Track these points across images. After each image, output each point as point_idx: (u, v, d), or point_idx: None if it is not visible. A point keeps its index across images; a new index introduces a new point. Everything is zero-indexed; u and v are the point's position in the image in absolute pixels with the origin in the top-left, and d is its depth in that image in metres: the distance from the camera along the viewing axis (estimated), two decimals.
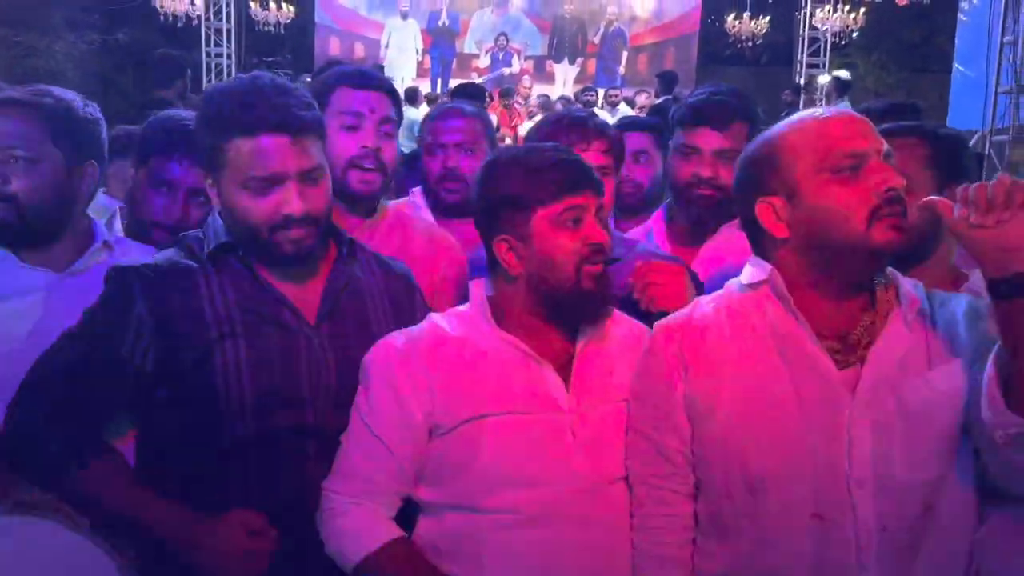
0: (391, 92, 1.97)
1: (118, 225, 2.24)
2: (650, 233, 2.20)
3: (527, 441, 1.44)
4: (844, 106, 8.67)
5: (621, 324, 1.60)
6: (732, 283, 1.48)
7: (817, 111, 1.42)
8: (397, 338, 1.52)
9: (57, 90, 1.76)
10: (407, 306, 1.68)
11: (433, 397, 1.46)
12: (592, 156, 1.78)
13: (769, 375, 1.36)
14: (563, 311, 1.49)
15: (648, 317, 1.65)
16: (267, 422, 1.50)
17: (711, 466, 1.41)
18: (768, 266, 1.40)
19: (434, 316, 1.57)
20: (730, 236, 2.07)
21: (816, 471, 1.32)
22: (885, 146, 1.35)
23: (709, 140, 2.01)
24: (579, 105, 9.74)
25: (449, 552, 1.46)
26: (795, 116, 1.43)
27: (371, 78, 1.96)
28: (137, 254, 1.76)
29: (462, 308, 1.58)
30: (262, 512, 1.46)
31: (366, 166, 1.88)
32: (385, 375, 1.48)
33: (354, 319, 1.59)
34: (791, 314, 1.36)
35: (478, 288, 1.56)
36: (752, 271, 1.43)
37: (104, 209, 2.80)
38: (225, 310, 1.51)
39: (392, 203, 2.13)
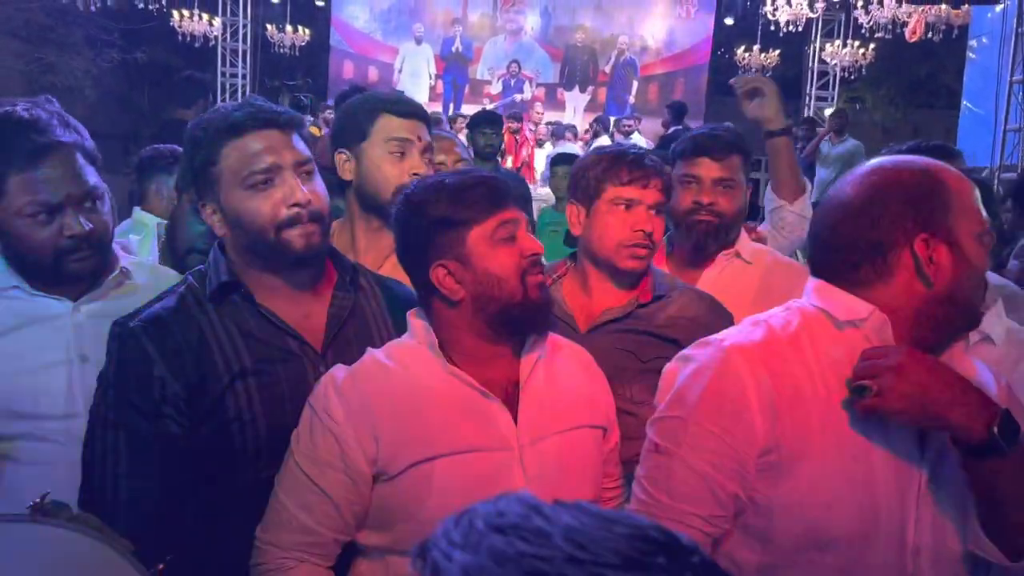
0: (428, 121, 2.02)
1: (155, 245, 2.28)
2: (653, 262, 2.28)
3: (477, 481, 1.37)
4: (858, 144, 8.82)
5: (563, 347, 1.58)
6: (807, 311, 1.32)
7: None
8: (337, 376, 1.45)
9: (71, 120, 1.70)
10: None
11: (378, 442, 1.39)
12: (651, 194, 1.86)
13: (857, 428, 1.24)
14: (512, 325, 1.44)
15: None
16: (279, 460, 1.49)
17: (775, 517, 1.26)
18: (871, 306, 1.25)
19: (374, 352, 1.49)
20: (726, 265, 2.22)
21: (885, 533, 1.24)
22: None
23: (709, 170, 2.18)
24: (620, 135, 9.85)
25: None
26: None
27: (416, 107, 2.00)
28: (158, 280, 1.75)
29: (403, 340, 1.51)
30: None
31: None
32: (325, 419, 1.41)
33: (359, 345, 1.57)
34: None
35: (419, 318, 1.49)
36: (850, 307, 1.27)
37: (140, 224, 2.84)
38: (234, 351, 1.50)
39: None
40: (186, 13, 12.62)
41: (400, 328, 1.60)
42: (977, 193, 1.26)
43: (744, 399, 1.24)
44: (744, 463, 1.25)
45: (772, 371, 1.25)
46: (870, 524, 1.23)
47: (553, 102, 13.96)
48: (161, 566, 1.20)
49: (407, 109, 1.95)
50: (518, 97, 14.05)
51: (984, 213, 1.26)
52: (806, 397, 1.24)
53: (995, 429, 1.14)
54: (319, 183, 1.55)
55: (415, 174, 1.88)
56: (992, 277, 2.15)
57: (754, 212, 2.65)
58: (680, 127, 9.66)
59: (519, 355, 1.48)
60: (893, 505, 1.24)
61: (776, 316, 1.34)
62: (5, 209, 1.57)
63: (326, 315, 1.59)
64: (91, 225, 1.60)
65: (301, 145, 1.54)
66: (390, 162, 1.89)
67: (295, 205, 1.48)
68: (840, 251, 1.28)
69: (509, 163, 8.96)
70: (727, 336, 1.33)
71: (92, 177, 1.63)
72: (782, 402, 1.23)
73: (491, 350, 1.46)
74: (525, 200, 4.49)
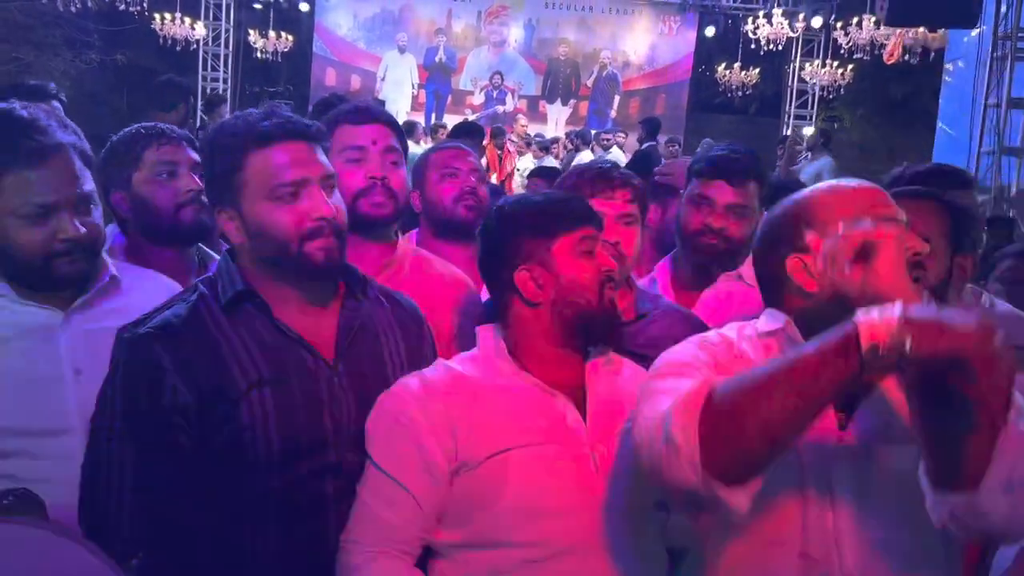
0: (392, 123, 2.00)
1: None
2: (654, 281, 2.27)
3: (552, 473, 1.46)
4: (827, 159, 8.89)
5: (624, 362, 1.65)
6: (745, 327, 1.48)
7: (851, 181, 1.43)
8: (411, 381, 1.53)
9: (68, 121, 1.67)
10: (416, 339, 1.69)
11: (455, 437, 1.46)
12: (618, 205, 1.85)
13: None
14: (588, 332, 1.54)
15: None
16: (292, 470, 1.48)
17: None
18: (784, 316, 1.41)
19: (444, 361, 1.59)
20: (728, 287, 2.19)
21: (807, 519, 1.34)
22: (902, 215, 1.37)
23: (723, 194, 2.13)
24: (600, 148, 9.87)
25: None
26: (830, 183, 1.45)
27: (370, 112, 1.98)
28: (146, 287, 1.72)
29: (471, 352, 1.61)
30: (281, 557, 1.46)
31: (374, 195, 1.90)
32: (402, 420, 1.49)
33: (369, 356, 1.59)
34: None
35: (488, 331, 1.60)
36: (767, 320, 1.45)
37: None
38: (250, 360, 1.48)
39: (408, 244, 2.14)
40: (168, 16, 12.55)
41: (407, 338, 1.66)
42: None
43: None
44: None
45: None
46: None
47: (535, 114, 14.01)
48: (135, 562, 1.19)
49: (360, 117, 1.95)
50: (500, 108, 14.10)
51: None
52: None
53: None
54: (340, 198, 1.55)
55: (371, 177, 1.91)
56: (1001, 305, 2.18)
57: None
58: (653, 143, 9.76)
59: (584, 362, 1.57)
60: (810, 493, 1.37)
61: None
62: None
63: (336, 327, 1.57)
64: (84, 229, 1.57)
65: (325, 159, 1.54)
66: (347, 169, 1.90)
67: (320, 219, 1.48)
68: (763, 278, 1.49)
69: (494, 179, 8.86)
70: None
71: (88, 182, 1.60)
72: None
73: (560, 354, 1.55)
74: None
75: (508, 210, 1.60)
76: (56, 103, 2.93)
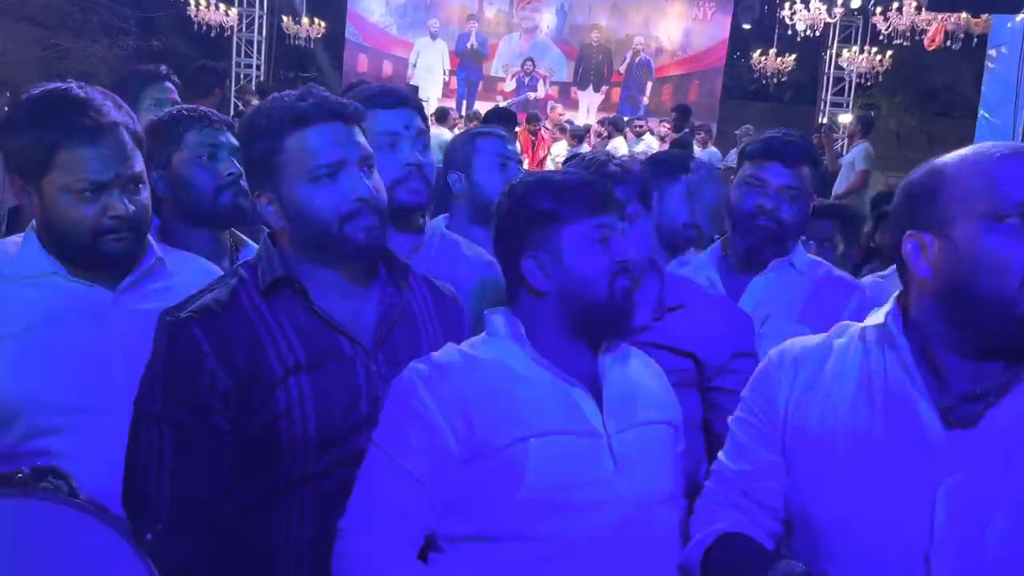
0: (419, 107, 1.98)
1: None
2: (704, 264, 2.25)
3: (569, 463, 1.40)
4: (863, 144, 8.74)
5: (630, 350, 1.59)
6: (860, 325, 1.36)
7: (994, 147, 1.21)
8: (421, 364, 1.47)
9: (122, 102, 1.69)
10: (456, 329, 1.67)
11: (470, 422, 1.40)
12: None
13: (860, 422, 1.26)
14: (595, 326, 1.47)
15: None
16: (327, 457, 1.48)
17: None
18: (893, 307, 1.29)
19: (453, 345, 1.52)
20: (780, 274, 2.15)
21: (892, 539, 1.20)
22: None
23: (777, 175, 2.09)
24: (632, 135, 9.78)
25: None
26: (968, 149, 1.24)
27: (402, 97, 1.96)
28: (189, 269, 1.74)
29: (482, 336, 1.54)
30: (313, 543, 1.46)
31: (411, 183, 1.89)
32: (413, 404, 1.42)
33: (408, 344, 1.57)
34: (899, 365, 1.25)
35: (499, 315, 1.53)
36: (873, 314, 1.33)
37: None
38: (288, 346, 1.48)
39: (438, 225, 2.14)
40: (203, 2, 12.65)
41: (447, 327, 1.63)
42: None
43: None
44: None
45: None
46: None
47: (566, 101, 13.93)
48: (149, 536, 1.17)
49: (392, 101, 1.92)
50: (531, 95, 14.05)
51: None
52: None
53: None
54: (379, 178, 1.54)
55: (408, 165, 1.88)
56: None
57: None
58: (688, 130, 9.67)
59: (597, 353, 1.51)
60: (901, 505, 1.29)
61: None
62: (51, 183, 1.56)
63: (376, 314, 1.56)
64: (133, 207, 1.60)
65: (363, 139, 1.52)
66: (381, 155, 1.82)
67: (359, 199, 1.47)
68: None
69: (526, 164, 8.88)
70: None
71: (139, 162, 1.63)
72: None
73: (571, 346, 1.48)
74: None
75: (520, 191, 1.50)
76: (168, 83, 3.03)
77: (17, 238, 1.68)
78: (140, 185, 1.63)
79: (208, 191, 2.00)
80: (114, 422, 1.53)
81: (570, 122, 10.97)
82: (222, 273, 1.69)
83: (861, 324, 1.35)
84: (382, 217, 1.51)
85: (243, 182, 1.98)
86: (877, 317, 1.30)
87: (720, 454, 1.47)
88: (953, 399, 1.20)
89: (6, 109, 1.65)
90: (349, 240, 1.47)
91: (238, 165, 2.00)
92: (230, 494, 1.49)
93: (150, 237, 1.74)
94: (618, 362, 1.53)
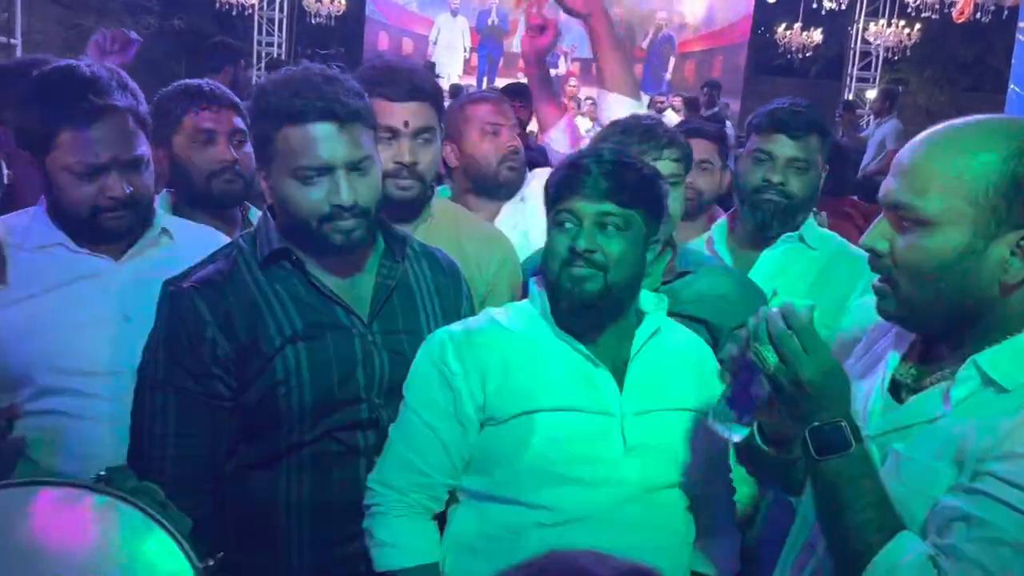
0: (428, 96, 1.89)
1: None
2: (711, 238, 2.22)
3: (576, 440, 1.44)
4: (892, 123, 8.55)
5: (677, 333, 1.60)
6: None
7: None
8: (454, 329, 1.53)
9: (130, 82, 1.69)
10: (454, 298, 1.69)
11: (486, 391, 1.47)
12: (663, 164, 1.78)
13: None
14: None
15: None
16: (324, 424, 1.52)
17: None
18: None
19: (492, 310, 1.58)
20: (789, 248, 2.12)
21: None
22: None
23: (784, 147, 2.06)
24: (654, 111, 9.68)
25: (484, 551, 1.46)
26: None
27: (411, 89, 1.87)
28: (197, 238, 1.77)
29: (523, 303, 1.59)
30: (312, 506, 1.51)
31: (400, 180, 1.86)
32: (439, 366, 1.49)
33: (405, 314, 1.60)
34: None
35: (539, 286, 1.55)
36: None
37: None
38: (285, 316, 1.51)
39: (442, 200, 2.12)
40: None
41: (446, 298, 1.67)
42: None
43: None
44: None
45: None
46: None
47: (588, 77, 13.79)
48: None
49: (398, 93, 1.87)
50: (553, 71, 13.92)
51: None
52: None
53: None
54: (373, 178, 1.53)
55: (398, 163, 1.85)
56: None
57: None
58: (717, 109, 9.53)
59: (633, 331, 1.51)
60: None
61: None
62: (53, 162, 1.60)
63: (373, 285, 1.59)
64: (131, 188, 1.64)
65: (361, 139, 1.50)
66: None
67: (336, 206, 1.48)
68: None
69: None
70: None
71: (141, 145, 1.66)
72: None
73: (581, 322, 1.49)
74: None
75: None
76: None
77: (28, 212, 1.73)
78: (140, 167, 1.65)
79: (200, 177, 2.04)
80: (118, 385, 1.60)
81: (590, 99, 10.88)
82: (230, 241, 1.72)
83: None
84: (367, 218, 1.51)
85: (238, 168, 2.02)
86: None
87: None
88: None
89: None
90: (326, 239, 1.50)
91: (234, 152, 2.02)
92: (232, 454, 1.54)
93: (157, 207, 1.78)
94: (655, 342, 1.53)
